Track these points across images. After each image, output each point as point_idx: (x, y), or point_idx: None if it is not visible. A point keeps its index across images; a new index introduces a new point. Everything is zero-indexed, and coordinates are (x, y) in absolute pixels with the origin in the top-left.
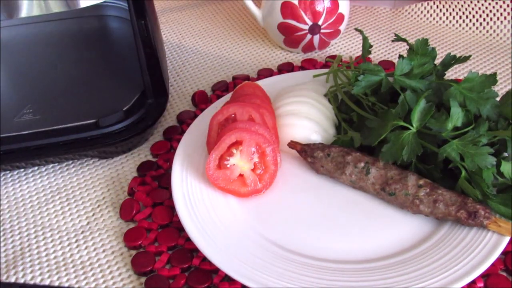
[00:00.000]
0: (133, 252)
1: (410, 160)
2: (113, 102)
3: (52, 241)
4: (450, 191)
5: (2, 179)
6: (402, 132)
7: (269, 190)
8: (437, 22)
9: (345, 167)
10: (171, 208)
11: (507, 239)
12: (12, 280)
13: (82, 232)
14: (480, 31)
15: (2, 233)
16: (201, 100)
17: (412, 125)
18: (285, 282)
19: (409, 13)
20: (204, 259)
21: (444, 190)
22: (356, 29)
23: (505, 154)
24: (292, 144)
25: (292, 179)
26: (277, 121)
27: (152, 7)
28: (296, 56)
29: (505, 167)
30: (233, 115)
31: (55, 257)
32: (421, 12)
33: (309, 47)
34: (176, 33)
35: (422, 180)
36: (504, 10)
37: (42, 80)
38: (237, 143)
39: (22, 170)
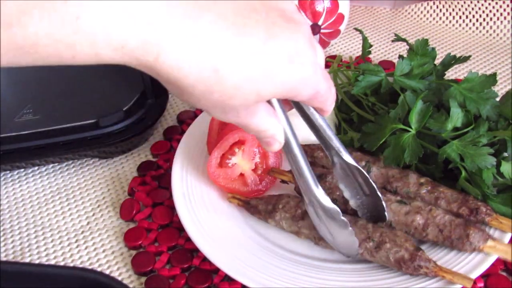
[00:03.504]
0: (133, 252)
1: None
2: (113, 102)
3: (52, 241)
4: (451, 189)
5: (2, 179)
6: (401, 135)
7: (269, 190)
8: (437, 22)
9: None
10: (171, 208)
11: (507, 238)
12: None
13: (82, 232)
14: (480, 31)
15: (2, 233)
16: None
17: (411, 127)
18: (285, 282)
19: (409, 13)
20: (204, 259)
21: (445, 188)
22: (356, 29)
23: (505, 154)
24: None
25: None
26: None
27: None
28: None
29: (505, 167)
30: None
31: (55, 257)
32: (421, 12)
33: None
34: None
35: (423, 178)
36: (504, 10)
37: (42, 80)
38: (239, 143)
39: (22, 170)
